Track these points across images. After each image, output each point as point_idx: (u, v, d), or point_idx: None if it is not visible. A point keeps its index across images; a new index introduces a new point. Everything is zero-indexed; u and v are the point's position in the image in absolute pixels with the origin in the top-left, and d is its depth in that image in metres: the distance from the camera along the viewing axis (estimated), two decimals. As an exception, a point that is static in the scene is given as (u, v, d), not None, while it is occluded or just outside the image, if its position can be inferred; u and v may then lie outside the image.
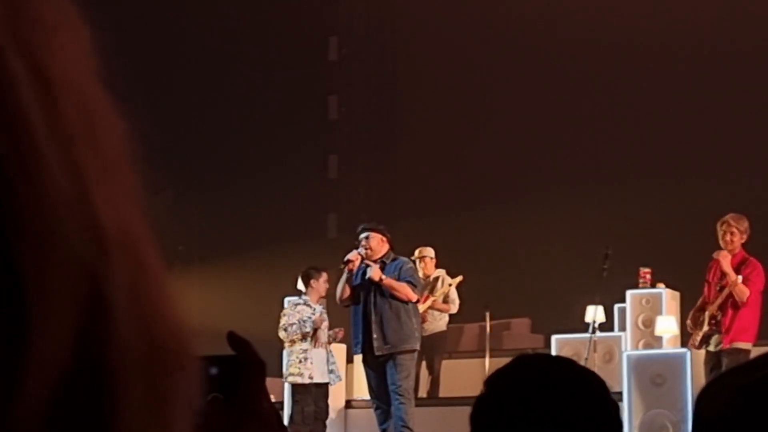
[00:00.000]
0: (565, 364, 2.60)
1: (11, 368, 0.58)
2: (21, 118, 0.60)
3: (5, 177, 0.59)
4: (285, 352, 12.59)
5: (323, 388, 12.58)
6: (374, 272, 11.64)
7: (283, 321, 12.62)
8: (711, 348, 11.59)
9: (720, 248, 11.73)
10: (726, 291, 11.52)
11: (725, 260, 11.54)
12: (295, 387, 12.59)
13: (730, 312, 11.56)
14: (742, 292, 11.48)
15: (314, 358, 12.48)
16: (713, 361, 11.49)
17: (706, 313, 11.63)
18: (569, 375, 2.47)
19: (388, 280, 11.62)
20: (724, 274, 11.61)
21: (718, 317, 11.58)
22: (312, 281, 12.64)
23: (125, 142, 0.65)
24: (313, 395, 12.51)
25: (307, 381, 12.42)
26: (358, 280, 11.80)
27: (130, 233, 0.63)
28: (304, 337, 12.49)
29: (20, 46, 0.61)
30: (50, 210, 0.60)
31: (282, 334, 12.58)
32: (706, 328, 11.58)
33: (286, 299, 13.51)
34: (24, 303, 0.58)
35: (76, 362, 0.59)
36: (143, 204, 0.65)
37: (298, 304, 12.65)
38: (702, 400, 1.81)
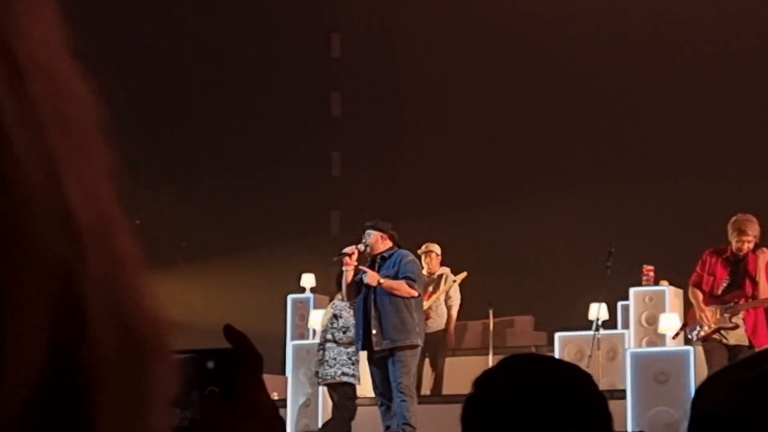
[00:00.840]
0: (551, 362, 2.72)
1: None
2: None
3: None
4: (335, 351, 12.49)
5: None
6: (370, 278, 11.58)
7: (341, 322, 12.57)
8: (731, 342, 11.56)
9: (721, 244, 11.74)
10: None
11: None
12: (339, 386, 12.57)
13: (754, 311, 11.60)
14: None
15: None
16: (730, 354, 11.43)
17: (730, 304, 11.58)
18: (555, 372, 2.54)
19: (387, 283, 11.54)
20: (735, 271, 11.59)
21: (743, 316, 11.61)
22: None
23: (99, 120, 0.62)
24: (352, 395, 12.63)
25: (357, 383, 12.52)
26: (358, 277, 11.78)
27: (104, 221, 0.61)
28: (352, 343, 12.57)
29: None
30: (22, 203, 0.57)
31: (340, 336, 12.53)
32: (730, 324, 11.54)
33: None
34: None
35: (51, 362, 0.58)
36: (118, 184, 0.62)
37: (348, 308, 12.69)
38: (700, 396, 1.81)
